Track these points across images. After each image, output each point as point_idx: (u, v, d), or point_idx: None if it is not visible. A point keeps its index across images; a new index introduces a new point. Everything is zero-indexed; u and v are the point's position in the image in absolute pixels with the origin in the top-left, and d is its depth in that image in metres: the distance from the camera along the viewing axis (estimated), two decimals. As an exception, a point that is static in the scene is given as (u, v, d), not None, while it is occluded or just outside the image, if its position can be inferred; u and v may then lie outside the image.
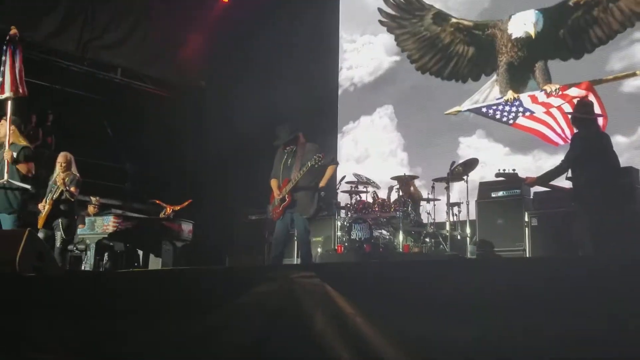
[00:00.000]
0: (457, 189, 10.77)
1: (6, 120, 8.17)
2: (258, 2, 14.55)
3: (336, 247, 10.62)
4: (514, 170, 7.38)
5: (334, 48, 14.17)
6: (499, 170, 7.44)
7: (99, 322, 5.17)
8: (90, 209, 11.14)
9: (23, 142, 8.16)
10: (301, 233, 8.06)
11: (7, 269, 5.86)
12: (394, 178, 10.90)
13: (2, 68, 8.16)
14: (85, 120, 14.79)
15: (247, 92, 14.16)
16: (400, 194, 10.56)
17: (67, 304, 5.42)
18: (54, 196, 9.06)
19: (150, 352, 4.87)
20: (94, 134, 14.80)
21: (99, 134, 14.71)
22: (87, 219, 10.05)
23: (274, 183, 8.15)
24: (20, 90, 8.19)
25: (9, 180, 7.81)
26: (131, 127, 15.08)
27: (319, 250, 10.95)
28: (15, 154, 7.86)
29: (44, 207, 9.04)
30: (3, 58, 8.19)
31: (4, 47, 8.27)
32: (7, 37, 8.23)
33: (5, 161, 7.83)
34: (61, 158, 9.36)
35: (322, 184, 8.01)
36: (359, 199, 11.08)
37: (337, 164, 8.32)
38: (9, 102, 8.13)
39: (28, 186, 8.01)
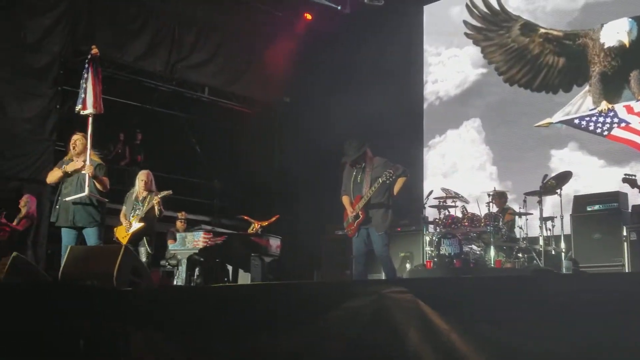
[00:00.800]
0: (550, 203, 10.49)
1: (82, 135, 8.40)
2: (340, 18, 14.62)
3: (425, 263, 10.49)
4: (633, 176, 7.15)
5: (419, 62, 14.08)
6: (625, 175, 7.21)
7: (193, 337, 5.24)
8: (179, 224, 11.33)
9: (96, 159, 8.37)
10: (379, 249, 7.97)
11: (105, 284, 6.01)
12: (485, 193, 10.70)
13: (83, 85, 8.42)
14: (173, 139, 15.16)
15: (332, 106, 14.18)
16: (491, 209, 10.36)
17: (162, 318, 5.51)
18: (140, 213, 9.22)
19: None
20: (182, 151, 15.15)
21: (187, 151, 15.04)
22: (178, 235, 10.23)
23: (345, 200, 8.14)
24: (97, 107, 8.41)
25: (91, 194, 8.03)
26: (218, 144, 15.35)
27: (407, 265, 10.84)
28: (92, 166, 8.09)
29: (130, 224, 9.20)
30: (85, 75, 8.46)
31: (86, 65, 8.54)
32: (89, 56, 8.52)
33: (86, 175, 8.04)
34: (144, 176, 9.52)
35: (394, 193, 7.99)
36: (447, 213, 10.92)
37: (407, 175, 8.17)
38: (90, 119, 8.38)
39: (106, 200, 8.30)
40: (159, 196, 9.21)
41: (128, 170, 14.36)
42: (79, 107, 8.42)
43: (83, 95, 8.40)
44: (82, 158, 8.25)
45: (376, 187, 7.78)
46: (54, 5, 12.61)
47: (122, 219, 9.47)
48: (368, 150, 8.15)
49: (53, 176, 8.42)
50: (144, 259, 9.27)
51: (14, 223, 10.76)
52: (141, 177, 9.50)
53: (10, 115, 12.07)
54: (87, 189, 8.01)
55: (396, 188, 8.01)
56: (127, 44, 13.61)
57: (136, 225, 9.17)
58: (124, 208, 9.55)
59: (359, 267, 8.06)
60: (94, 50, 8.50)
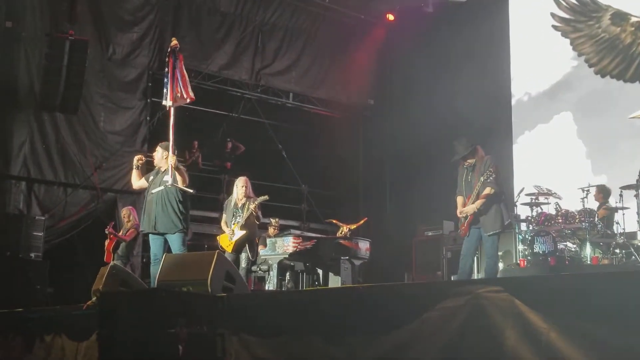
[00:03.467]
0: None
1: (159, 146, 8.42)
2: (424, 18, 14.51)
3: (518, 262, 10.27)
4: None
5: (506, 57, 13.79)
6: None
7: (286, 340, 5.27)
8: (271, 230, 11.43)
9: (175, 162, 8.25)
10: (486, 249, 7.84)
11: (201, 290, 6.11)
12: (580, 188, 10.38)
13: (167, 80, 8.43)
14: (261, 145, 15.34)
15: (417, 107, 14.10)
16: (586, 204, 10.05)
17: (256, 322, 5.57)
18: (240, 220, 9.27)
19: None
20: (269, 157, 15.31)
21: (274, 157, 15.18)
22: (268, 240, 10.33)
23: (459, 200, 7.99)
24: (186, 96, 8.34)
25: (174, 184, 8.01)
26: (305, 149, 15.45)
27: (500, 265, 10.64)
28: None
29: (233, 231, 9.25)
30: (166, 70, 8.50)
31: (166, 60, 8.55)
32: (169, 49, 8.55)
33: (170, 167, 8.02)
34: (243, 182, 9.49)
35: (478, 203, 7.66)
36: (540, 210, 10.66)
37: (493, 183, 7.69)
38: (172, 110, 8.35)
39: (191, 190, 8.22)
40: (256, 202, 9.26)
41: (218, 179, 14.62)
42: (165, 102, 8.37)
43: (169, 90, 8.29)
44: (163, 167, 8.28)
45: (479, 187, 7.65)
46: (140, 20, 13.00)
47: (223, 227, 9.52)
48: (479, 148, 7.97)
49: (133, 179, 8.56)
50: (243, 265, 9.32)
51: (121, 233, 11.13)
52: (240, 184, 9.47)
53: (103, 128, 12.48)
54: (170, 179, 7.99)
55: (480, 201, 7.69)
56: (212, 53, 13.90)
57: (239, 232, 9.18)
58: (224, 216, 9.60)
59: (465, 266, 7.92)
60: (174, 42, 8.51)
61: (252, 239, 9.40)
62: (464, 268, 7.94)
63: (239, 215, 9.25)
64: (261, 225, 10.39)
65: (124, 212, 11.41)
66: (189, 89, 8.40)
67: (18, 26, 11.67)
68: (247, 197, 9.38)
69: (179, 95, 8.28)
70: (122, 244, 10.98)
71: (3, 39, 11.58)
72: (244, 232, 9.17)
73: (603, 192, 10.41)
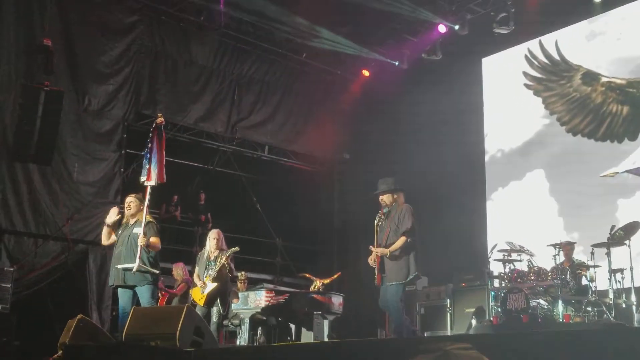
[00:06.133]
0: (619, 255, 10.17)
1: (134, 196, 8.44)
2: (398, 74, 14.72)
3: (491, 318, 10.24)
4: None
5: (479, 114, 13.98)
6: None
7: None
8: (239, 285, 11.36)
9: (148, 217, 8.29)
10: (388, 298, 7.75)
11: (168, 344, 6.02)
12: (550, 245, 10.45)
13: (147, 155, 8.49)
14: (236, 198, 15.32)
15: (393, 161, 14.18)
16: (558, 261, 10.10)
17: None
18: (213, 273, 9.22)
19: None
20: (244, 210, 15.28)
21: (249, 210, 15.16)
22: (240, 294, 10.22)
23: (372, 249, 7.95)
24: (159, 179, 8.45)
25: (141, 265, 7.97)
26: (279, 202, 15.46)
27: (473, 321, 10.60)
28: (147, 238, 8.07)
29: (205, 284, 9.21)
30: (149, 145, 8.52)
31: (150, 135, 8.60)
32: (154, 125, 8.63)
33: (139, 246, 8.03)
34: (215, 235, 9.54)
35: (389, 249, 7.69)
36: (513, 267, 10.69)
37: (407, 230, 7.73)
38: (149, 188, 8.42)
39: (157, 271, 8.21)
40: (228, 253, 9.24)
41: (192, 231, 14.56)
42: (143, 178, 8.44)
43: (148, 166, 8.44)
44: (134, 219, 8.29)
45: (390, 235, 7.72)
46: (116, 72, 13.03)
47: (196, 280, 9.49)
48: (401, 195, 8.01)
49: (104, 236, 8.51)
50: (215, 319, 9.26)
51: (172, 289, 11.44)
52: (212, 236, 9.53)
53: (77, 179, 12.39)
54: (137, 260, 7.95)
55: (393, 246, 7.71)
56: (188, 106, 13.96)
57: (210, 285, 9.16)
58: (197, 269, 9.59)
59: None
60: (160, 119, 8.62)
61: (224, 292, 9.34)
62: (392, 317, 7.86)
63: (211, 268, 9.24)
64: (233, 279, 10.32)
65: (175, 269, 11.70)
66: (163, 171, 8.50)
67: (-8, 75, 11.65)
68: (220, 249, 9.38)
69: (154, 175, 8.37)
70: (175, 298, 11.33)
71: (-23, 88, 11.55)
72: (215, 284, 9.14)
73: (569, 246, 10.48)
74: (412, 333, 7.97)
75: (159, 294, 11.13)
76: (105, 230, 8.43)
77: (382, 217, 7.94)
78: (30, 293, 11.81)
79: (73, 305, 10.98)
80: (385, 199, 8.02)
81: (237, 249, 9.44)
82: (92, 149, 12.73)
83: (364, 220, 14.91)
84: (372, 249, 7.85)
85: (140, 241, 7.99)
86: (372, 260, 7.84)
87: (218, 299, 9.32)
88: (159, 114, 8.83)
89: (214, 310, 9.34)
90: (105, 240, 8.51)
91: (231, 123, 14.66)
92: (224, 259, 9.17)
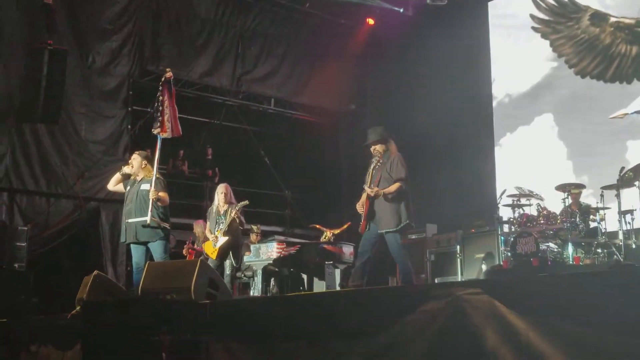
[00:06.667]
0: (629, 196, 10.17)
1: (138, 153, 8.54)
2: (403, 21, 14.55)
3: (501, 263, 10.31)
4: None
5: (486, 59, 13.86)
6: None
7: (271, 346, 5.27)
8: (253, 237, 11.46)
9: (156, 175, 8.40)
10: (390, 249, 7.74)
11: (184, 297, 6.11)
12: (558, 188, 10.46)
13: (159, 107, 8.55)
14: (243, 151, 15.33)
15: (399, 111, 14.13)
16: (567, 204, 10.12)
17: (240, 328, 5.57)
18: (224, 227, 9.34)
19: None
20: (252, 164, 15.30)
21: (258, 163, 15.18)
22: (252, 247, 10.33)
23: (364, 195, 7.81)
24: (176, 131, 8.61)
25: (153, 219, 8.11)
26: (287, 154, 15.47)
27: (483, 266, 10.67)
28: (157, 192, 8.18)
29: (217, 238, 9.34)
30: (160, 98, 8.59)
31: (160, 88, 8.68)
32: (163, 79, 8.66)
33: (150, 200, 8.14)
34: (223, 189, 9.66)
35: (384, 191, 7.56)
36: (522, 212, 10.72)
37: (401, 178, 7.68)
38: (159, 141, 8.54)
39: (168, 226, 8.37)
40: (237, 207, 9.33)
41: (201, 186, 14.63)
42: (157, 129, 8.51)
43: (160, 118, 8.50)
44: (140, 175, 8.38)
45: (382, 182, 7.58)
46: (119, 28, 12.95)
47: (207, 234, 9.68)
48: (392, 144, 7.90)
49: (112, 181, 8.61)
50: (228, 272, 9.42)
51: (198, 247, 11.49)
52: (220, 191, 9.67)
53: (85, 137, 12.43)
54: (149, 214, 8.09)
55: (389, 189, 7.59)
56: (192, 60, 13.88)
57: (222, 239, 9.33)
58: (208, 224, 9.72)
59: (359, 265, 7.78)
60: (169, 74, 8.62)
61: (236, 245, 9.47)
62: (357, 266, 7.81)
63: (222, 222, 9.35)
64: (244, 231, 10.42)
65: (195, 227, 11.68)
66: (178, 124, 8.64)
67: (-4, 37, 11.61)
68: (229, 203, 9.46)
69: (169, 128, 8.40)
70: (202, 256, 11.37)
71: (-20, 50, 11.52)
72: (227, 238, 9.26)
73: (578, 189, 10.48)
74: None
75: (187, 252, 11.31)
76: (116, 175, 8.58)
77: (378, 165, 7.79)
78: (45, 251, 11.98)
79: (88, 262, 11.12)
80: (378, 148, 7.90)
81: (246, 202, 9.52)
82: (99, 106, 12.74)
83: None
84: (366, 188, 7.68)
85: (152, 194, 8.07)
86: (360, 206, 7.72)
87: (230, 252, 9.44)
88: (167, 69, 8.81)
89: (227, 263, 9.48)
90: (111, 185, 8.68)
91: (236, 76, 14.59)
92: (233, 212, 9.27)
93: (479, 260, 10.82)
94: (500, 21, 13.78)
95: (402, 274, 7.94)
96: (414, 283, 7.59)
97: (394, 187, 7.59)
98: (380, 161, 7.78)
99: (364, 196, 7.75)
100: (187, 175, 14.87)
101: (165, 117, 8.48)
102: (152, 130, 8.62)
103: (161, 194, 8.22)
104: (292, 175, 15.34)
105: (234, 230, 9.39)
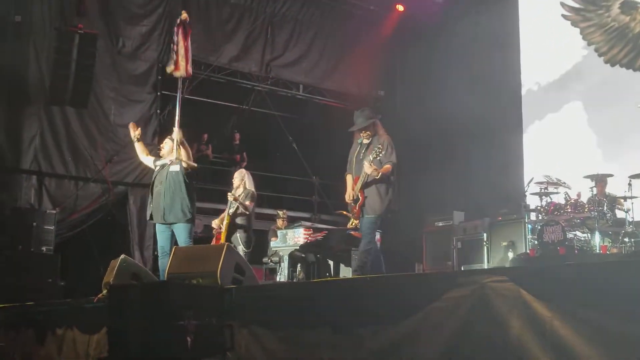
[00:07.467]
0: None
1: (169, 138, 8.61)
2: (434, 7, 14.47)
3: (528, 251, 10.26)
4: None
5: (516, 47, 13.72)
6: None
7: (296, 331, 5.31)
8: (279, 222, 11.50)
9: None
10: (361, 228, 7.48)
11: (210, 282, 6.16)
12: (587, 177, 10.36)
13: (174, 47, 8.63)
14: (271, 137, 15.36)
15: (427, 97, 14.07)
16: (594, 192, 10.04)
17: (266, 313, 5.61)
18: (230, 211, 9.46)
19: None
20: (280, 149, 15.33)
21: (286, 149, 15.20)
22: (279, 232, 10.40)
23: (348, 179, 7.68)
24: (188, 71, 8.65)
25: (178, 158, 8.28)
26: (315, 140, 15.46)
27: (509, 254, 10.63)
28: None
29: (222, 221, 9.50)
30: (175, 38, 8.66)
31: (175, 29, 8.74)
32: (178, 20, 8.70)
33: (180, 184, 8.23)
34: (236, 174, 10.02)
35: (381, 171, 7.24)
36: (549, 200, 10.65)
37: (394, 162, 7.43)
38: (178, 98, 8.70)
39: (195, 165, 8.55)
40: (234, 199, 9.55)
41: (228, 171, 14.69)
42: (170, 67, 8.64)
43: (175, 57, 8.57)
44: (171, 158, 8.45)
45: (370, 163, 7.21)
46: (149, 13, 13.02)
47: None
48: (380, 125, 7.64)
49: (138, 152, 8.81)
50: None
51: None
52: (236, 176, 9.98)
53: (114, 121, 12.52)
54: (175, 152, 8.27)
55: (385, 168, 7.27)
56: (221, 45, 13.91)
57: (225, 224, 9.56)
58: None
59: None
60: (184, 15, 8.67)
61: (242, 230, 9.57)
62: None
63: (233, 207, 9.49)
64: (270, 217, 10.46)
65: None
66: (189, 65, 8.66)
67: (27, 20, 11.70)
68: (244, 188, 9.62)
69: (182, 67, 8.48)
70: None
71: (12, 34, 11.61)
72: (226, 222, 9.52)
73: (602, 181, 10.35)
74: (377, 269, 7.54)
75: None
76: (135, 146, 8.74)
77: (362, 147, 7.59)
78: (72, 235, 12.12)
79: (115, 245, 11.23)
80: (367, 132, 7.66)
81: (251, 189, 9.72)
82: (128, 91, 12.83)
83: (398, 156, 14.97)
84: (366, 164, 7.34)
85: (176, 135, 8.28)
86: (353, 193, 7.52)
87: (237, 237, 9.53)
88: (183, 11, 8.84)
89: (238, 249, 9.53)
90: (141, 156, 8.85)
91: (265, 62, 14.60)
92: (231, 197, 9.55)
93: (505, 248, 10.78)
94: (530, 8, 13.64)
95: (358, 259, 7.68)
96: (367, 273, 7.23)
97: (387, 168, 7.35)
98: (369, 143, 7.55)
99: (355, 181, 7.52)
100: (211, 159, 14.89)
101: (180, 57, 8.56)
102: (166, 68, 8.87)
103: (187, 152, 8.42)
104: (320, 162, 15.33)
105: (238, 216, 9.53)
